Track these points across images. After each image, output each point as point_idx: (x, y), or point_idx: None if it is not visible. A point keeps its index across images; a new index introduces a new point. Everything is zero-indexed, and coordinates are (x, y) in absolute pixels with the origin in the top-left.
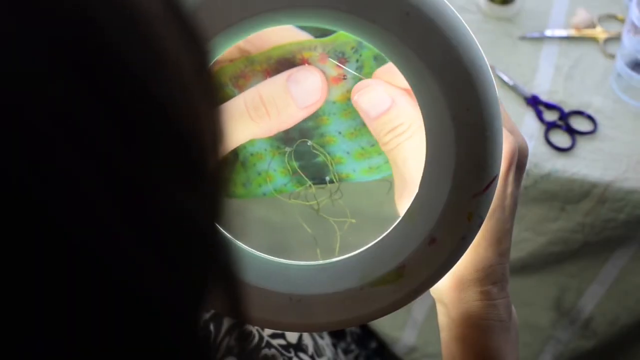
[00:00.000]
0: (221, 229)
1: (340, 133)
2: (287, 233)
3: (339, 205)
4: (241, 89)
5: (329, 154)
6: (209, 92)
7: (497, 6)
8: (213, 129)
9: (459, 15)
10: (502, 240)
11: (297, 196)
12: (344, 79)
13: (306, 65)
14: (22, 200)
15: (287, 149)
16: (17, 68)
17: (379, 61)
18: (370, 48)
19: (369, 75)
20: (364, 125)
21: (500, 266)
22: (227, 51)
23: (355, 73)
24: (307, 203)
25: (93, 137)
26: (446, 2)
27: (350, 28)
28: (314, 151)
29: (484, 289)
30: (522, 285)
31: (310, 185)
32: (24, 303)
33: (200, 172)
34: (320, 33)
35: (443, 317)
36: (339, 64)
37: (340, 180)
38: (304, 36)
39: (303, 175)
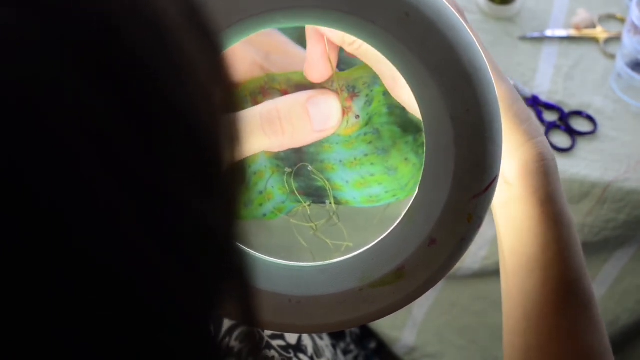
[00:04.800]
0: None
1: (341, 162)
2: (287, 234)
3: (338, 228)
4: (257, 104)
5: (328, 180)
6: (226, 100)
7: (497, 6)
8: (229, 136)
9: (458, 15)
10: (502, 76)
11: (294, 214)
12: (349, 114)
13: (327, 90)
14: (37, 206)
15: (287, 170)
16: (39, 73)
17: (388, 96)
18: (381, 84)
19: (378, 108)
20: (365, 155)
21: (520, 102)
22: (250, 70)
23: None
24: (306, 224)
25: (113, 143)
26: (445, 2)
27: (350, 28)
28: (313, 176)
29: (521, 128)
30: None
31: (309, 205)
32: (37, 306)
33: (216, 179)
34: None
35: None
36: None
37: (341, 204)
38: None
39: (300, 197)
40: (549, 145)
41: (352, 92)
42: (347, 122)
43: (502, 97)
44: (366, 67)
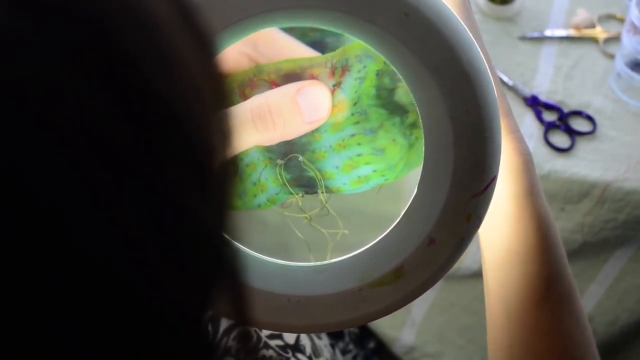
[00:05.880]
0: (227, 233)
1: (330, 147)
2: (285, 233)
3: (332, 217)
4: (246, 97)
5: (319, 170)
6: (218, 98)
7: (497, 6)
8: (221, 134)
9: (457, 16)
10: (491, 67)
11: (288, 205)
12: (338, 90)
13: (316, 81)
14: (37, 206)
15: (279, 161)
16: (38, 73)
17: (380, 77)
18: (376, 60)
19: (368, 89)
20: (352, 135)
21: (502, 96)
22: (237, 60)
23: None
24: (300, 215)
25: (112, 143)
26: (445, 2)
27: (350, 29)
28: (305, 167)
29: (502, 121)
30: None
31: (302, 196)
32: (37, 306)
33: (209, 177)
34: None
35: None
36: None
37: (333, 193)
38: (316, 53)
39: (291, 189)
40: (524, 140)
41: (345, 65)
42: (335, 98)
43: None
44: (359, 44)
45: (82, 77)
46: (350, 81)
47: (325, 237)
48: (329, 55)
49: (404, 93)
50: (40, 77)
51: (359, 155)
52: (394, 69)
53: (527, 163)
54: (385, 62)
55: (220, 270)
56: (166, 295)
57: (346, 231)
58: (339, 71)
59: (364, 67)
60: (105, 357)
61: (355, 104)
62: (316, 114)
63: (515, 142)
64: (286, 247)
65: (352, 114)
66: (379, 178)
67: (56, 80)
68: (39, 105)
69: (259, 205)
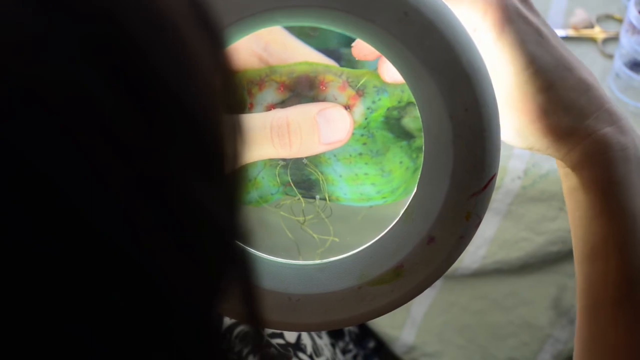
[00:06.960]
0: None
1: (335, 156)
2: (285, 234)
3: (326, 224)
4: (252, 96)
5: (321, 173)
6: (228, 92)
7: None
8: (232, 127)
9: (457, 15)
10: (570, 68)
11: (281, 206)
12: (350, 110)
13: (338, 105)
14: (47, 192)
15: (281, 162)
16: (47, 69)
17: (390, 110)
18: (390, 98)
19: (377, 117)
20: (359, 154)
21: (589, 92)
22: (248, 60)
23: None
24: (295, 218)
25: (119, 132)
26: (445, 2)
27: (349, 28)
28: (308, 169)
29: (585, 122)
30: (520, 284)
31: (297, 199)
32: (41, 296)
33: (219, 169)
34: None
35: (560, 169)
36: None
37: (330, 200)
38: (331, 61)
39: (295, 190)
40: (622, 135)
41: (362, 91)
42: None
43: (571, 88)
44: (374, 74)
45: (91, 70)
46: (361, 108)
47: (315, 243)
48: (347, 69)
49: (410, 120)
50: (51, 73)
51: (365, 174)
52: (394, 67)
53: (615, 160)
54: (399, 101)
55: (231, 265)
56: (175, 290)
57: (337, 239)
58: (352, 92)
59: (379, 99)
60: (112, 350)
61: (364, 127)
62: (334, 136)
63: (604, 138)
64: (286, 247)
65: (362, 135)
66: (380, 200)
67: (67, 75)
68: (50, 100)
69: (250, 202)
